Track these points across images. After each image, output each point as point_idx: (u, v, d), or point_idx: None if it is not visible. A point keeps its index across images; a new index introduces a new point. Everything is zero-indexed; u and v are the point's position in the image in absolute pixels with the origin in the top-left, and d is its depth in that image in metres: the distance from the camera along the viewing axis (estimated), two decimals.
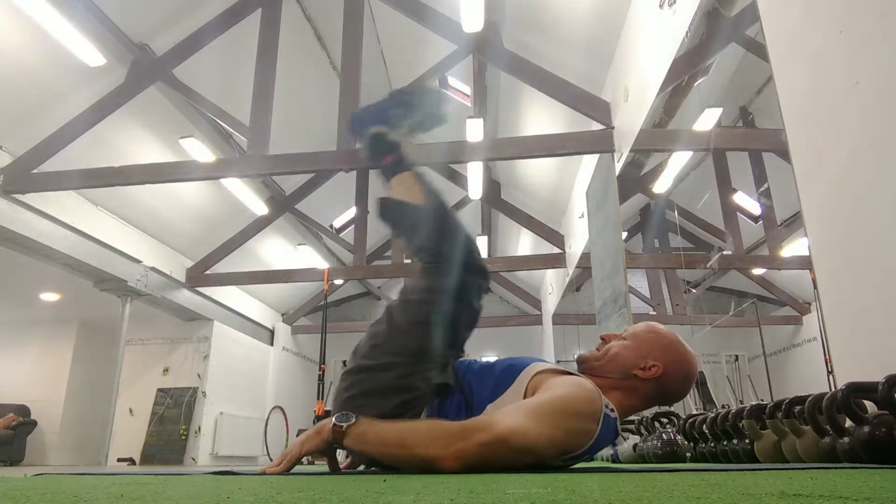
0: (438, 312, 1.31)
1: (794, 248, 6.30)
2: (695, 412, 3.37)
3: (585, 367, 1.31)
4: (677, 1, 3.12)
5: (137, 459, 7.51)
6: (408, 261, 8.13)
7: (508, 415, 1.07)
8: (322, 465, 1.31)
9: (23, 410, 7.53)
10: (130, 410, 7.73)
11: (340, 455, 1.27)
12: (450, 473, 1.02)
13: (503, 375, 1.27)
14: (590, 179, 5.24)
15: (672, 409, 2.87)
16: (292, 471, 1.13)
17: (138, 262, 6.60)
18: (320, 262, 9.07)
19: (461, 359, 1.41)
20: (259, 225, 7.62)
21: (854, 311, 1.59)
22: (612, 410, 1.17)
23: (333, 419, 1.09)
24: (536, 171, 7.01)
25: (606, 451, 3.26)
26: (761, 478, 0.78)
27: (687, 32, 3.08)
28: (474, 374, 1.31)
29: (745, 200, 6.82)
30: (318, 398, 5.94)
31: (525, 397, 1.17)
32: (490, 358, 1.37)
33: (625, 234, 6.34)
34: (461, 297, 1.34)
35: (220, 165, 5.44)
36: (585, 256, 5.81)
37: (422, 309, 1.32)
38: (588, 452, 1.15)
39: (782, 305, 9.13)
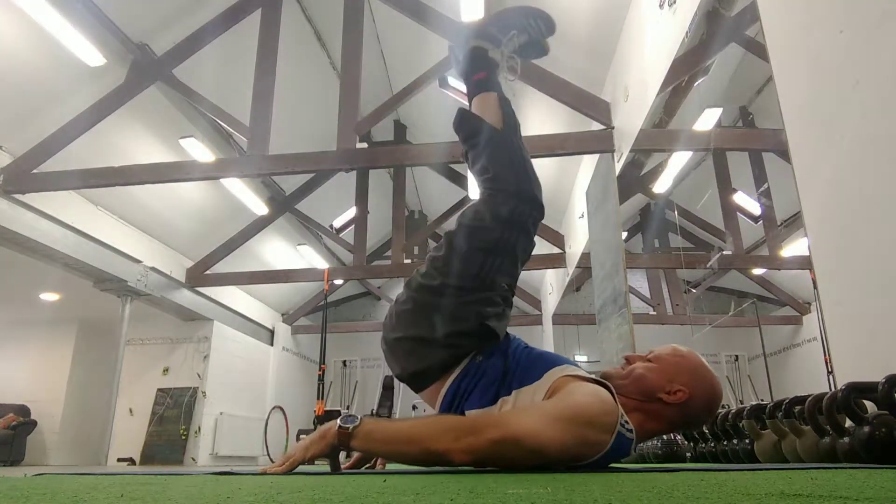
0: (499, 240, 1.32)
1: (794, 248, 6.30)
2: None
3: (610, 384, 1.29)
4: (677, 1, 3.12)
5: (137, 459, 7.51)
6: (407, 260, 8.14)
7: (524, 414, 1.07)
8: (322, 465, 1.31)
9: (23, 410, 7.53)
10: (130, 410, 7.73)
11: (341, 455, 1.26)
12: (459, 465, 1.03)
13: (535, 366, 1.26)
14: (590, 179, 5.24)
15: None
16: (293, 471, 1.13)
17: (138, 262, 6.60)
18: (320, 262, 9.07)
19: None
20: (259, 225, 7.62)
21: (854, 311, 1.59)
22: (629, 431, 1.15)
23: (338, 422, 1.09)
24: (537, 171, 7.00)
25: None
26: (761, 478, 0.78)
27: (687, 32, 3.08)
28: (519, 352, 1.31)
29: (745, 200, 6.82)
30: (318, 398, 5.94)
31: (546, 397, 1.17)
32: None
33: (625, 234, 6.34)
34: (520, 226, 1.35)
35: (220, 165, 5.43)
36: (585, 256, 5.81)
37: (483, 235, 1.33)
38: (597, 463, 1.13)
39: (782, 305, 9.13)
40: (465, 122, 1.46)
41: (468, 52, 1.52)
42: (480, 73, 1.50)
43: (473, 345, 1.28)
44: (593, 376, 1.23)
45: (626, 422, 1.15)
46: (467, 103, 1.54)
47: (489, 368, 1.27)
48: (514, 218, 1.34)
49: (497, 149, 1.41)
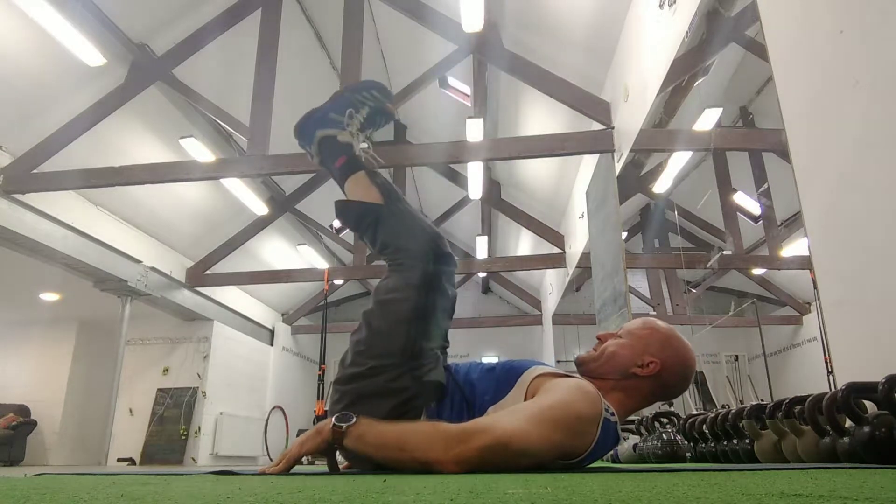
0: (416, 307, 1.30)
1: (794, 248, 6.30)
2: (695, 412, 3.37)
3: (584, 369, 1.31)
4: (677, 1, 3.12)
5: (137, 459, 7.51)
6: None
7: (508, 418, 1.07)
8: (322, 466, 1.31)
9: (23, 410, 7.53)
10: (130, 410, 7.73)
11: (340, 456, 1.26)
12: (450, 474, 1.02)
13: (504, 377, 1.27)
14: (590, 179, 5.24)
15: (672, 409, 2.87)
16: (292, 471, 1.13)
17: (138, 262, 6.60)
18: (320, 262, 9.07)
19: (456, 361, 1.40)
20: (259, 225, 7.62)
21: (854, 311, 1.59)
22: (612, 414, 1.17)
23: (333, 419, 1.09)
24: (536, 171, 7.01)
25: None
26: (761, 478, 0.78)
27: (687, 32, 3.08)
28: (476, 375, 1.31)
29: (745, 200, 6.82)
30: (317, 398, 5.94)
31: (525, 400, 1.17)
32: (491, 359, 1.37)
33: (625, 234, 6.34)
34: (434, 287, 1.34)
35: (220, 165, 5.43)
36: (585, 256, 5.81)
37: (397, 307, 1.31)
38: (588, 458, 1.14)
39: (782, 305, 9.13)
40: (347, 212, 1.48)
41: (318, 146, 1.54)
42: (340, 159, 1.52)
43: (422, 402, 1.26)
44: (565, 372, 1.24)
45: (608, 406, 1.16)
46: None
47: (449, 408, 1.26)
48: (427, 280, 1.32)
49: (387, 222, 1.41)
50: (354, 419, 1.08)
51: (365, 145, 1.58)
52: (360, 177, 1.49)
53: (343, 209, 1.49)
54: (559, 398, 1.11)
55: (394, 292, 1.34)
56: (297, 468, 1.14)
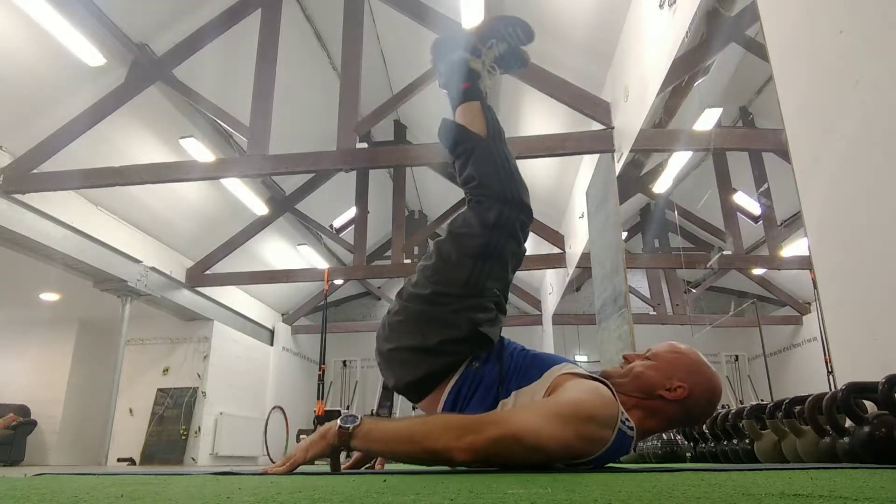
0: (487, 245, 1.32)
1: (794, 248, 6.30)
2: None
3: (610, 382, 1.28)
4: (677, 1, 3.12)
5: (137, 459, 7.51)
6: (407, 260, 8.14)
7: (523, 412, 1.08)
8: (322, 465, 1.31)
9: (23, 410, 7.53)
10: (130, 410, 7.73)
11: (340, 455, 1.26)
12: (460, 465, 1.03)
13: (534, 366, 1.27)
14: (590, 179, 5.24)
15: None
16: (293, 471, 1.13)
17: (138, 262, 6.60)
18: (320, 262, 9.06)
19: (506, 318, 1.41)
20: (259, 225, 7.62)
21: (854, 311, 1.59)
22: (630, 428, 1.16)
23: (338, 422, 1.09)
24: (536, 171, 7.00)
25: None
26: (761, 478, 0.78)
27: (687, 32, 3.08)
28: (516, 355, 1.32)
29: (745, 200, 6.82)
30: (318, 398, 5.94)
31: (545, 395, 1.17)
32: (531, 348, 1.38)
33: (625, 234, 6.34)
34: (507, 232, 1.35)
35: (220, 165, 5.43)
36: (585, 256, 5.81)
37: (469, 241, 1.33)
38: (598, 461, 1.14)
39: (782, 305, 9.13)
40: (449, 132, 1.48)
41: (451, 63, 1.55)
42: (466, 83, 1.52)
43: (468, 351, 1.28)
44: (592, 374, 1.24)
45: (627, 419, 1.16)
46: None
47: (486, 374, 1.27)
48: (502, 222, 1.34)
49: (482, 155, 1.42)
50: (359, 420, 1.09)
51: (492, 79, 1.56)
52: (475, 105, 1.49)
53: (447, 129, 1.48)
54: (576, 398, 1.11)
55: (469, 227, 1.35)
56: (297, 468, 1.14)
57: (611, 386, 1.19)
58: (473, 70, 1.53)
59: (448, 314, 1.28)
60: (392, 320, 1.33)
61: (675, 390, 1.22)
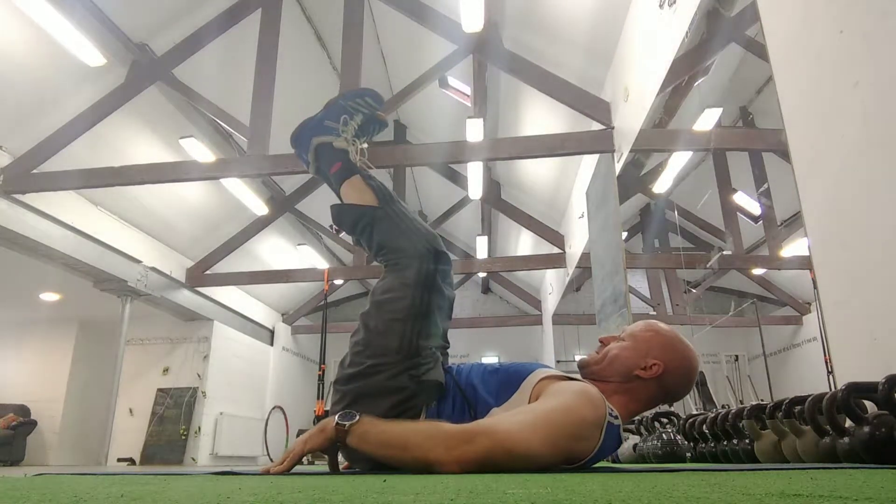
0: (412, 306, 1.32)
1: (794, 248, 6.30)
2: (695, 412, 3.37)
3: (587, 371, 1.31)
4: (677, 1, 3.12)
5: (137, 459, 7.51)
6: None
7: (511, 420, 1.07)
8: (322, 465, 1.31)
9: (23, 410, 7.53)
10: (130, 410, 7.73)
11: (341, 455, 1.27)
12: (452, 474, 1.02)
13: (508, 380, 1.27)
14: (590, 179, 5.24)
15: (672, 409, 2.87)
16: (292, 471, 1.13)
17: (138, 262, 6.60)
18: (320, 262, 9.07)
19: (458, 362, 1.41)
20: (259, 225, 7.62)
21: (854, 311, 1.59)
22: (615, 418, 1.17)
23: (336, 417, 1.10)
24: (536, 171, 7.01)
25: None
26: (761, 478, 0.78)
27: (687, 32, 3.08)
28: (477, 377, 1.31)
29: (745, 200, 6.82)
30: (318, 398, 5.94)
31: (529, 403, 1.17)
32: (491, 359, 1.37)
33: (625, 234, 6.34)
34: (429, 286, 1.35)
35: (220, 165, 5.43)
36: (585, 256, 5.81)
37: (395, 306, 1.32)
38: (591, 461, 1.14)
39: (782, 305, 9.13)
40: (344, 215, 1.50)
41: (314, 153, 1.57)
42: (335, 165, 1.54)
43: (423, 402, 1.27)
44: (569, 375, 1.24)
45: (612, 409, 1.17)
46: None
47: (450, 409, 1.27)
48: (422, 278, 1.34)
49: (382, 224, 1.43)
50: (357, 417, 1.09)
51: (363, 148, 1.61)
52: (356, 181, 1.51)
53: (339, 213, 1.51)
54: (563, 402, 1.11)
55: (390, 292, 1.35)
56: (297, 468, 1.14)
57: (589, 383, 1.20)
58: (339, 149, 1.55)
59: (388, 381, 1.26)
60: (335, 410, 1.29)
61: (651, 368, 1.23)
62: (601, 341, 1.35)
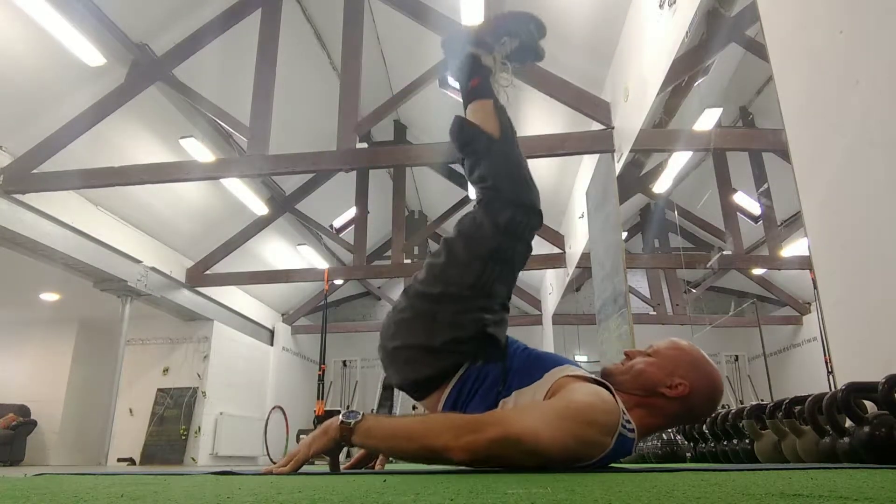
0: (497, 249, 1.32)
1: (794, 248, 6.30)
2: None
3: (611, 381, 1.28)
4: (677, 1, 3.12)
5: (137, 459, 7.51)
6: (407, 260, 8.13)
7: (524, 414, 1.07)
8: (322, 465, 1.31)
9: (23, 410, 7.53)
10: (130, 410, 7.73)
11: (342, 455, 1.27)
12: (458, 464, 1.02)
13: (535, 367, 1.26)
14: (590, 179, 5.24)
15: None
16: (298, 469, 1.13)
17: (138, 262, 6.60)
18: (320, 262, 9.06)
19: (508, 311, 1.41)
20: (259, 225, 7.62)
21: (854, 311, 1.59)
22: (631, 430, 1.15)
23: (340, 417, 1.10)
24: (536, 171, 6.97)
25: None
26: (761, 478, 0.78)
27: (687, 32, 3.08)
28: (518, 354, 1.31)
29: (745, 200, 6.82)
30: (318, 398, 5.94)
31: (546, 397, 1.16)
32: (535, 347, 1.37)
33: (625, 234, 6.34)
34: (517, 236, 1.35)
35: (220, 165, 5.43)
36: (585, 256, 5.81)
37: (481, 243, 1.32)
38: (597, 464, 1.13)
39: (782, 305, 9.13)
40: (463, 130, 1.45)
41: (462, 59, 1.52)
42: (475, 80, 1.49)
43: (473, 351, 1.28)
44: (594, 377, 1.23)
45: (628, 421, 1.15)
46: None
47: (489, 372, 1.27)
48: (512, 227, 1.34)
49: (495, 157, 1.40)
50: (360, 416, 1.09)
51: (506, 75, 1.54)
52: (487, 104, 1.47)
53: (459, 127, 1.45)
54: (576, 403, 1.10)
55: (480, 229, 1.34)
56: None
57: (612, 389, 1.18)
58: (485, 66, 1.50)
59: (455, 315, 1.27)
60: (398, 318, 1.32)
61: (676, 387, 1.22)
62: (626, 354, 1.33)
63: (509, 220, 1.33)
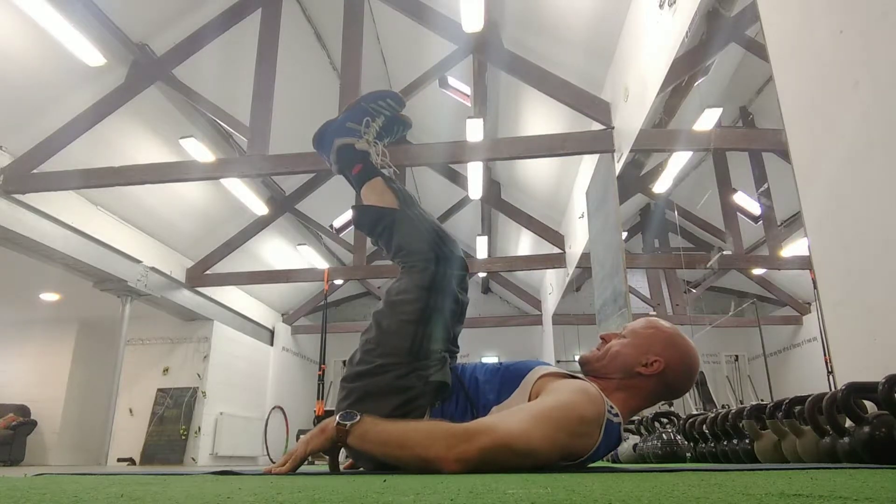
0: (425, 309, 1.33)
1: (794, 248, 6.30)
2: (695, 412, 3.37)
3: (588, 368, 1.32)
4: (677, 1, 3.12)
5: (137, 459, 7.51)
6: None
7: (511, 418, 1.07)
8: (322, 465, 1.32)
9: (23, 410, 7.54)
10: (130, 410, 7.73)
11: (341, 455, 1.27)
12: (452, 474, 1.02)
13: (508, 378, 1.27)
14: (590, 179, 5.24)
15: (672, 409, 2.87)
16: (296, 468, 1.14)
17: (138, 262, 6.60)
18: (320, 262, 9.07)
19: (460, 362, 1.42)
20: (259, 225, 7.62)
21: (854, 311, 1.59)
22: (615, 416, 1.17)
23: (337, 417, 1.10)
24: (536, 171, 7.01)
25: None
26: (761, 478, 0.78)
27: (687, 32, 3.08)
28: (479, 376, 1.32)
29: (745, 200, 6.82)
30: (318, 398, 5.94)
31: (529, 401, 1.18)
32: (492, 359, 1.38)
33: (625, 234, 6.34)
34: (445, 291, 1.36)
35: (220, 165, 5.43)
36: (585, 256, 5.81)
37: (408, 308, 1.33)
38: (590, 459, 1.15)
39: (782, 305, 9.13)
40: (364, 216, 1.50)
41: (336, 153, 1.58)
42: (356, 167, 1.55)
43: (427, 402, 1.28)
44: (569, 372, 1.25)
45: (612, 407, 1.17)
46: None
47: (453, 407, 1.27)
48: (437, 282, 1.35)
49: (403, 225, 1.44)
50: (358, 417, 1.09)
51: (384, 150, 1.62)
52: (377, 182, 1.52)
53: (360, 214, 1.52)
54: (562, 400, 1.11)
55: (404, 293, 1.36)
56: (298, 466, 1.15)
57: (591, 381, 1.21)
58: (360, 151, 1.56)
59: (396, 380, 1.27)
60: (342, 406, 1.30)
61: (652, 365, 1.24)
62: (602, 338, 1.36)
63: (432, 278, 1.35)
